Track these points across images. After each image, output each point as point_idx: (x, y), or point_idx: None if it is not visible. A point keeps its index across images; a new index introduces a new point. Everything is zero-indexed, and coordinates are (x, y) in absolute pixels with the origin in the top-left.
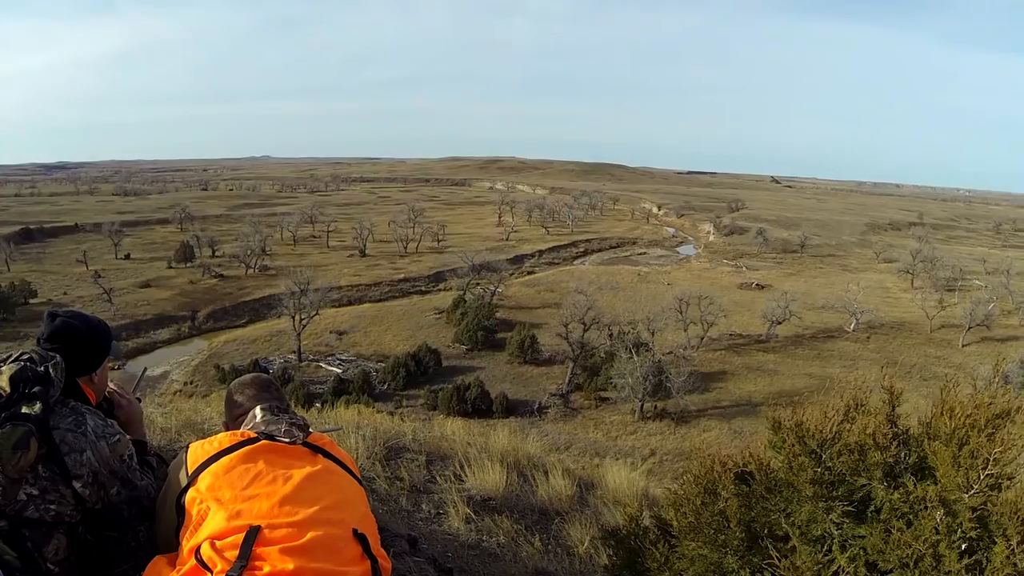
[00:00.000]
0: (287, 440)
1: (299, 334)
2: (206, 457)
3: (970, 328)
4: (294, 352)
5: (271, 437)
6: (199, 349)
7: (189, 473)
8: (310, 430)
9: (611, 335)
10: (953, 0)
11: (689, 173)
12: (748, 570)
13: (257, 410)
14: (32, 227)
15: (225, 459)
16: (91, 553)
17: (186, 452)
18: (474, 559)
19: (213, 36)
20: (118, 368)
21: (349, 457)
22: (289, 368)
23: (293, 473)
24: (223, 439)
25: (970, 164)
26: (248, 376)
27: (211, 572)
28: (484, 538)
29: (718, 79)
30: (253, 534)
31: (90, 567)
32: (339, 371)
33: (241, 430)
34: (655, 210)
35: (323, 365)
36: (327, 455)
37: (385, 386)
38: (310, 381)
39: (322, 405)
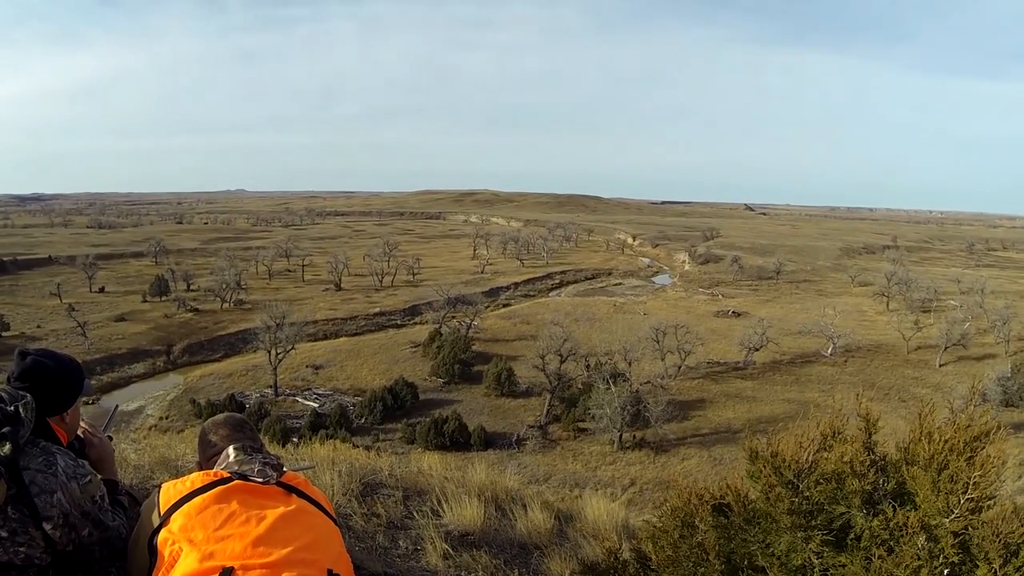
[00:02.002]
0: (260, 480)
1: (275, 368)
2: (179, 497)
3: (946, 348)
4: (270, 387)
5: (244, 477)
6: (174, 384)
7: (161, 513)
8: (284, 469)
9: (588, 366)
10: (914, 31)
11: (663, 203)
12: None
13: (230, 450)
14: (5, 259)
15: (198, 499)
16: None
17: (158, 492)
18: None
19: (185, 69)
20: (93, 403)
21: (324, 496)
22: (266, 403)
23: (267, 513)
24: (196, 479)
25: (942, 186)
26: (221, 416)
27: None
28: (462, 574)
29: (690, 109)
30: None
31: None
32: (316, 405)
33: (214, 470)
34: (630, 240)
35: (300, 399)
36: (301, 495)
37: (362, 420)
38: (287, 416)
39: (299, 440)
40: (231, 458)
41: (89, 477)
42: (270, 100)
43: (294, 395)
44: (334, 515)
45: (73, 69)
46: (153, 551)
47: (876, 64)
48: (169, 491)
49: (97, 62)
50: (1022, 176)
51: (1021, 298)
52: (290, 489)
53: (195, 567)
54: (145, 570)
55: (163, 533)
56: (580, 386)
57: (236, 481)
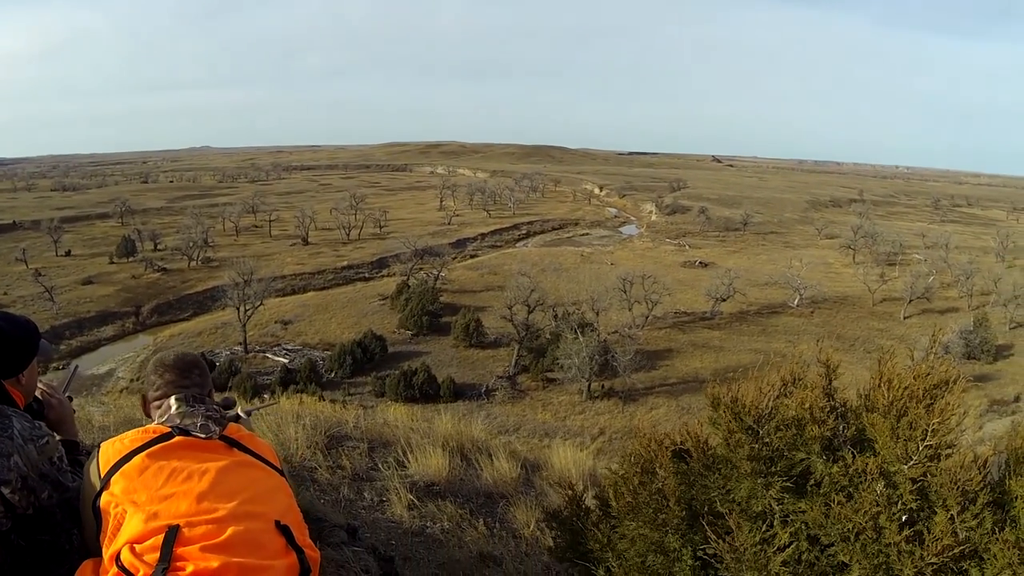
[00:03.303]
0: (203, 435)
1: (244, 325)
2: (118, 457)
3: (911, 301)
4: (240, 344)
5: (186, 432)
6: (144, 345)
7: (101, 476)
8: (227, 422)
9: (556, 316)
10: None
11: (630, 154)
12: (689, 548)
13: (172, 400)
14: None
15: (137, 459)
16: (24, 559)
17: (97, 452)
18: (418, 546)
19: (145, 25)
20: (62, 368)
21: (269, 448)
22: (236, 360)
23: (208, 467)
24: (134, 436)
25: (908, 142)
26: (171, 355)
27: None
28: (428, 524)
29: (656, 61)
30: (172, 534)
31: (24, 573)
32: (286, 361)
33: (154, 424)
34: (597, 191)
35: (269, 356)
36: (244, 449)
37: (332, 374)
38: (257, 372)
39: (270, 396)
40: (173, 410)
41: (46, 439)
42: (234, 57)
43: (264, 351)
44: (280, 467)
45: (33, 30)
46: (97, 513)
47: (847, 17)
48: (108, 451)
49: (57, 22)
50: (988, 135)
51: (984, 253)
52: (232, 443)
53: (140, 528)
54: (94, 532)
55: (105, 496)
56: (548, 336)
57: (177, 437)
